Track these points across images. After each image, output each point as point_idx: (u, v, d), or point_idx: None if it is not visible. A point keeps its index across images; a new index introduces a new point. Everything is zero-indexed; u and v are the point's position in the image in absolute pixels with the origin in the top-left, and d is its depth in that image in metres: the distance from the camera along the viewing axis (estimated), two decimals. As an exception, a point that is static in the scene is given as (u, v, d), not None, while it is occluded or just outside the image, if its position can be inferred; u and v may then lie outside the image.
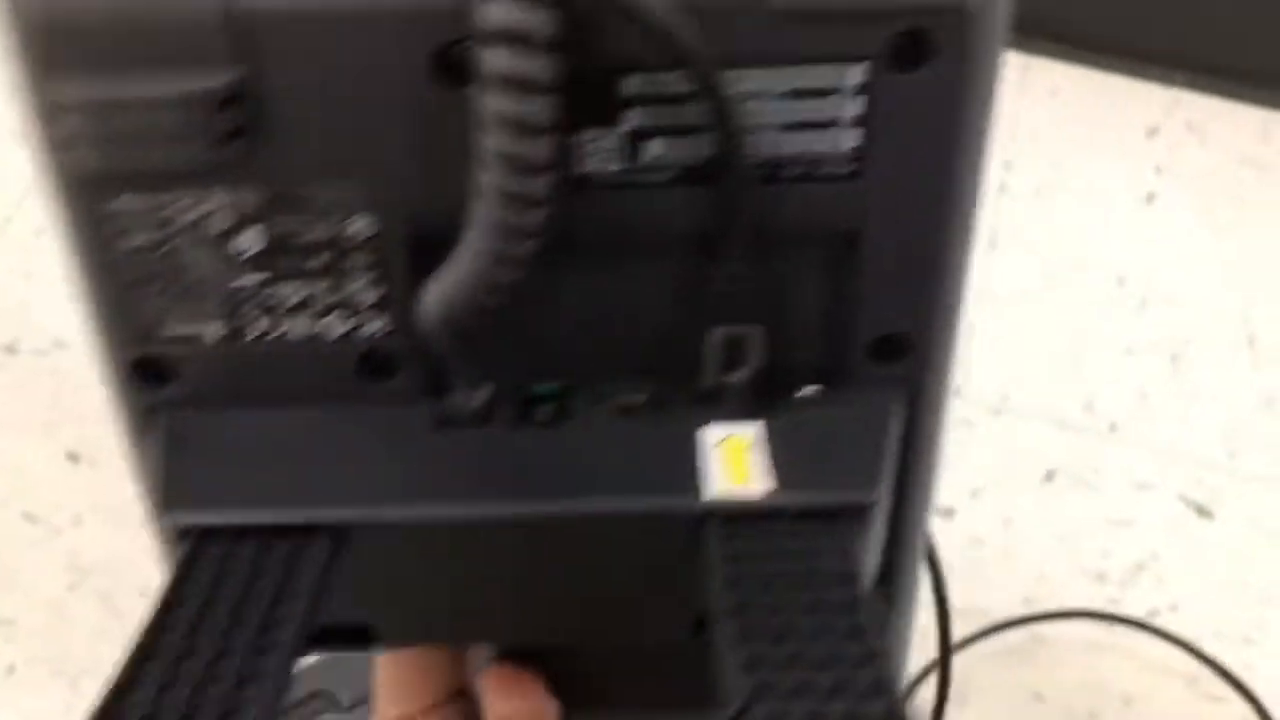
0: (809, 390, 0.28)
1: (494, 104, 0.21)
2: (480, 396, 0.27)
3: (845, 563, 0.24)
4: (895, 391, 0.27)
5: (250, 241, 0.24)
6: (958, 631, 0.75)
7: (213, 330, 0.26)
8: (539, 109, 0.21)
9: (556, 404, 0.28)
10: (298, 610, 0.23)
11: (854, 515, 0.26)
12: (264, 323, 0.26)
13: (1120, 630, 0.76)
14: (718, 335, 0.26)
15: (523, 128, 0.21)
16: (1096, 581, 0.78)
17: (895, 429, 0.27)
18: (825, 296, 0.27)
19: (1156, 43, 0.99)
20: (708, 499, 0.25)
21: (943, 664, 0.49)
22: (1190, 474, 0.82)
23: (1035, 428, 0.84)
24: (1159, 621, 0.77)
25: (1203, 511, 0.81)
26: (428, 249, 0.24)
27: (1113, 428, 0.84)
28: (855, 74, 0.22)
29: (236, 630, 0.22)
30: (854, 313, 0.26)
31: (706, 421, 0.27)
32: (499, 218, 0.22)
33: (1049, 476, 0.82)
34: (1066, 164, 0.96)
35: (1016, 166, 0.96)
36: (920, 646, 0.51)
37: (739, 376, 0.27)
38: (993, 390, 0.85)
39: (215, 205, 0.24)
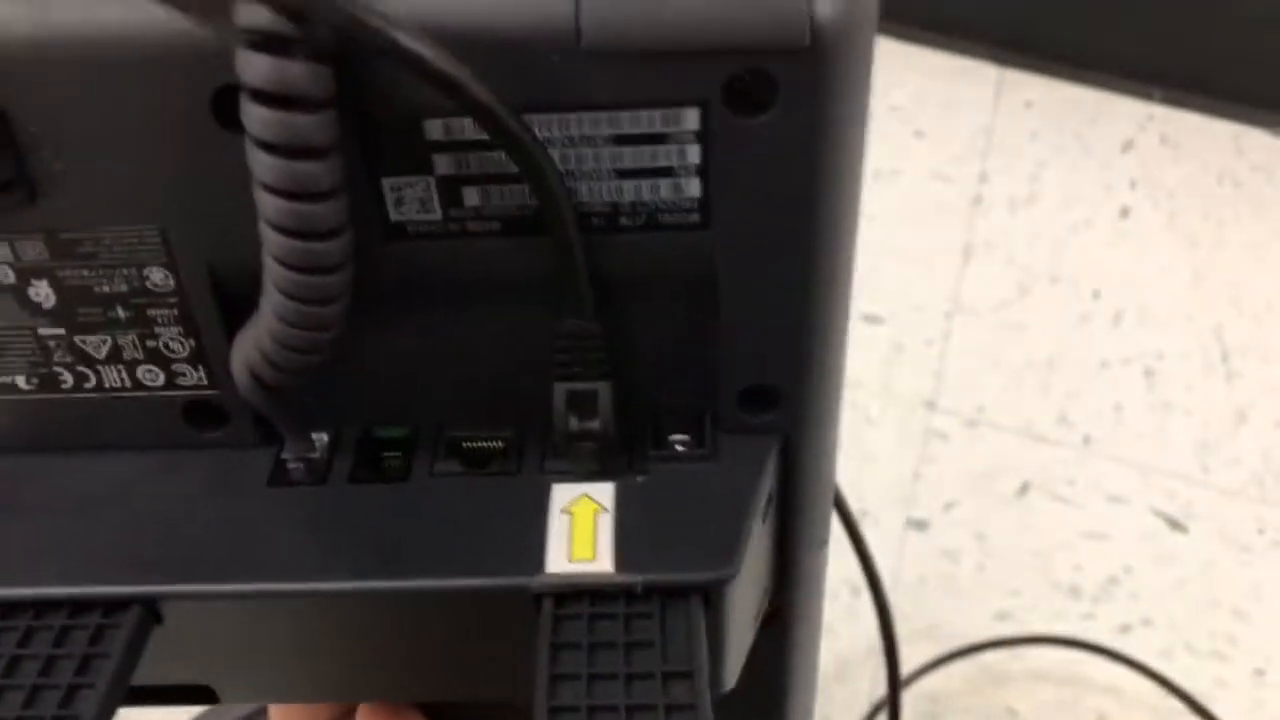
0: (677, 438, 0.26)
1: (262, 165, 0.19)
2: (319, 445, 0.26)
3: (686, 650, 0.22)
4: (770, 440, 0.26)
5: (44, 293, 0.23)
6: (933, 648, 0.75)
7: (24, 381, 0.25)
8: (315, 171, 0.19)
9: (403, 453, 0.26)
10: (100, 690, 0.21)
11: (706, 592, 0.23)
12: (76, 373, 0.24)
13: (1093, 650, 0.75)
14: (560, 391, 0.24)
15: (298, 191, 0.19)
16: (1070, 596, 0.78)
17: (767, 484, 0.25)
18: (688, 346, 0.25)
19: (1132, 57, 1.00)
20: (543, 577, 0.23)
21: (892, 702, 0.48)
22: (1163, 488, 0.82)
23: (1009, 440, 0.84)
24: (1132, 636, 0.77)
25: (1176, 525, 0.81)
26: (238, 301, 0.23)
27: (1087, 441, 0.84)
28: (690, 119, 0.20)
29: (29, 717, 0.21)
30: (719, 363, 0.24)
31: (560, 477, 0.25)
32: (288, 282, 0.20)
33: (1023, 490, 0.82)
34: (1042, 176, 0.96)
35: (991, 179, 0.96)
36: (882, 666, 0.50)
37: (590, 431, 0.25)
38: (967, 402, 0.85)
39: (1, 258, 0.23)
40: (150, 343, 0.24)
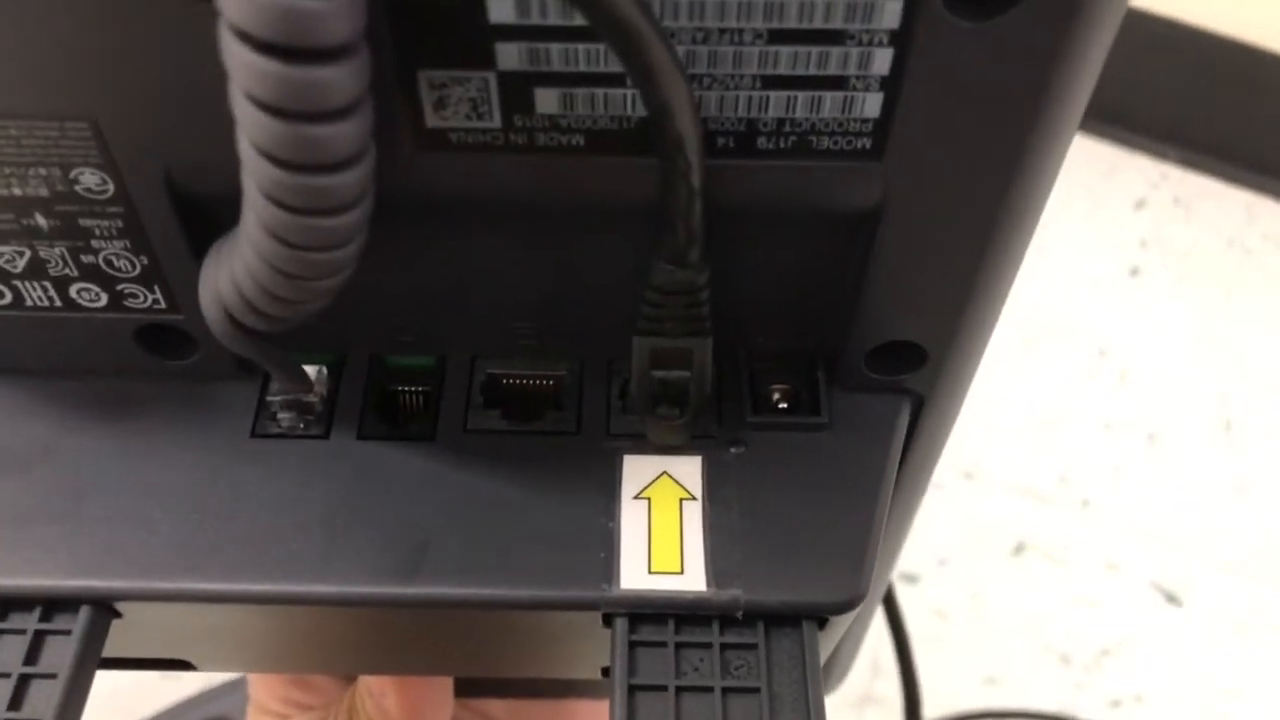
0: (778, 389, 0.20)
1: (243, 65, 0.13)
2: (316, 381, 0.20)
3: (802, 697, 0.17)
4: (899, 403, 0.21)
5: None
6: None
7: None
8: (327, 79, 0.13)
9: (427, 394, 0.20)
10: (55, 694, 0.18)
11: (825, 618, 0.19)
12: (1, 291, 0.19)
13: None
14: (643, 348, 0.19)
15: (301, 108, 0.13)
16: (1061, 664, 0.74)
17: (895, 460, 0.20)
18: (812, 289, 0.20)
19: (1148, 116, 0.98)
20: (615, 594, 0.18)
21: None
22: (1161, 557, 0.79)
23: (1007, 497, 0.80)
24: (1123, 712, 0.73)
25: (1172, 598, 0.78)
26: (207, 209, 0.18)
27: (1085, 503, 0.81)
28: (889, 12, 0.14)
29: None
30: (854, 313, 0.19)
31: (632, 445, 0.20)
32: (280, 224, 0.15)
33: (1018, 549, 0.78)
34: (1052, 227, 0.93)
35: (1001, 226, 0.93)
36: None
37: (678, 397, 0.19)
38: (966, 454, 0.82)
39: None
40: (86, 258, 0.19)
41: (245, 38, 0.13)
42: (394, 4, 0.15)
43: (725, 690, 0.17)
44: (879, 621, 0.70)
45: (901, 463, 0.22)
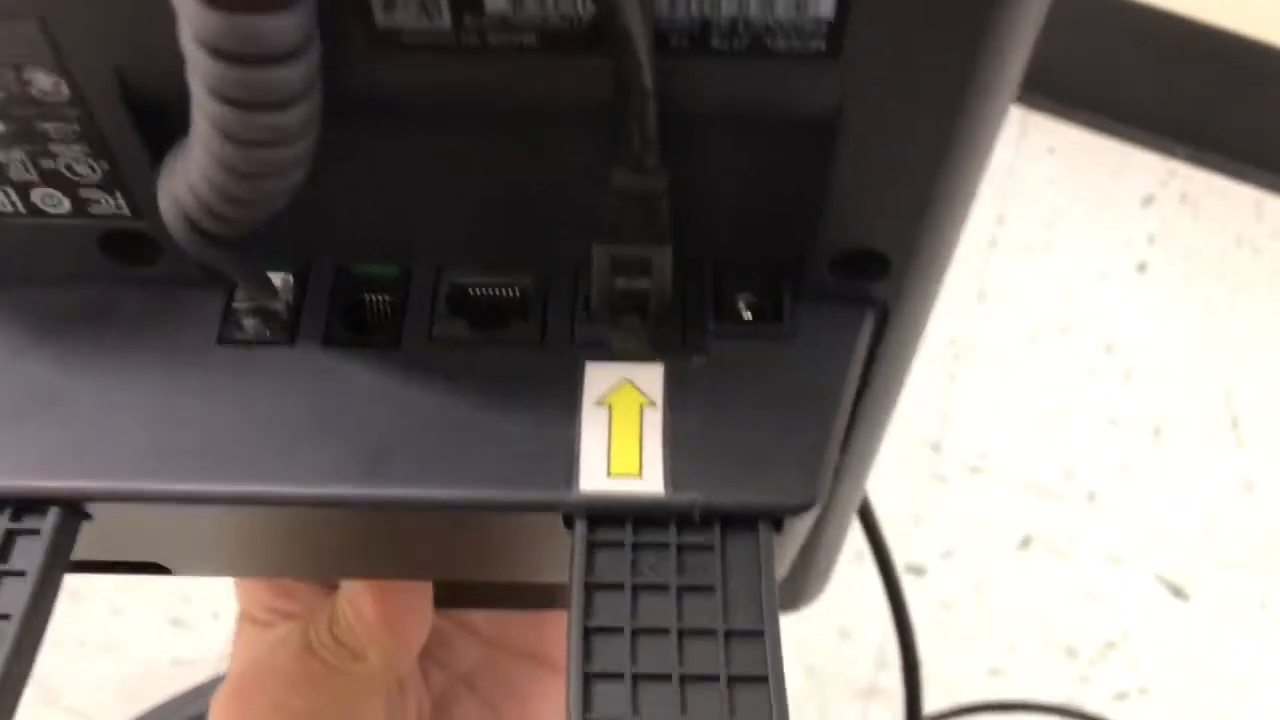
0: (743, 299, 0.21)
1: None
2: (282, 289, 0.20)
3: (755, 598, 0.18)
4: (863, 313, 0.21)
5: None
6: (924, 701, 0.71)
7: None
8: None
9: (393, 301, 0.21)
10: (24, 591, 0.18)
11: (780, 519, 0.19)
12: None
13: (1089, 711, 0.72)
14: (603, 254, 0.19)
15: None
16: (1067, 656, 0.75)
17: (856, 371, 0.20)
18: (773, 194, 0.20)
19: (1157, 112, 0.98)
20: (574, 495, 0.19)
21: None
22: (1167, 553, 0.79)
23: (1012, 491, 0.81)
24: (1128, 705, 0.73)
25: (1178, 592, 0.78)
26: (166, 115, 0.17)
27: (1091, 498, 0.81)
28: None
29: None
30: (815, 221, 0.19)
31: (595, 352, 0.20)
32: (226, 121, 0.15)
33: (1024, 543, 0.79)
34: (1059, 224, 0.94)
35: (1008, 222, 0.93)
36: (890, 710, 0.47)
37: (639, 301, 0.20)
38: (971, 448, 0.82)
39: None
40: (45, 163, 0.19)
41: None
42: None
43: (681, 589, 0.18)
44: (883, 613, 0.70)
45: (869, 374, 0.22)
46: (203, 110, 0.15)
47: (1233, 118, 0.97)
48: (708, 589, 0.18)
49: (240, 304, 0.21)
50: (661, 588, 0.18)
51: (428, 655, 0.32)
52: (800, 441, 0.19)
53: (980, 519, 0.79)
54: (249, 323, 0.21)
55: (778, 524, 0.19)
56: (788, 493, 0.18)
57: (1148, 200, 0.96)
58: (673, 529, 0.18)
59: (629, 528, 0.18)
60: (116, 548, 0.22)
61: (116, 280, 0.21)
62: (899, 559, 0.77)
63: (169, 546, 0.22)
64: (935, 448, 0.82)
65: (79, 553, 0.20)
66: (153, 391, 0.20)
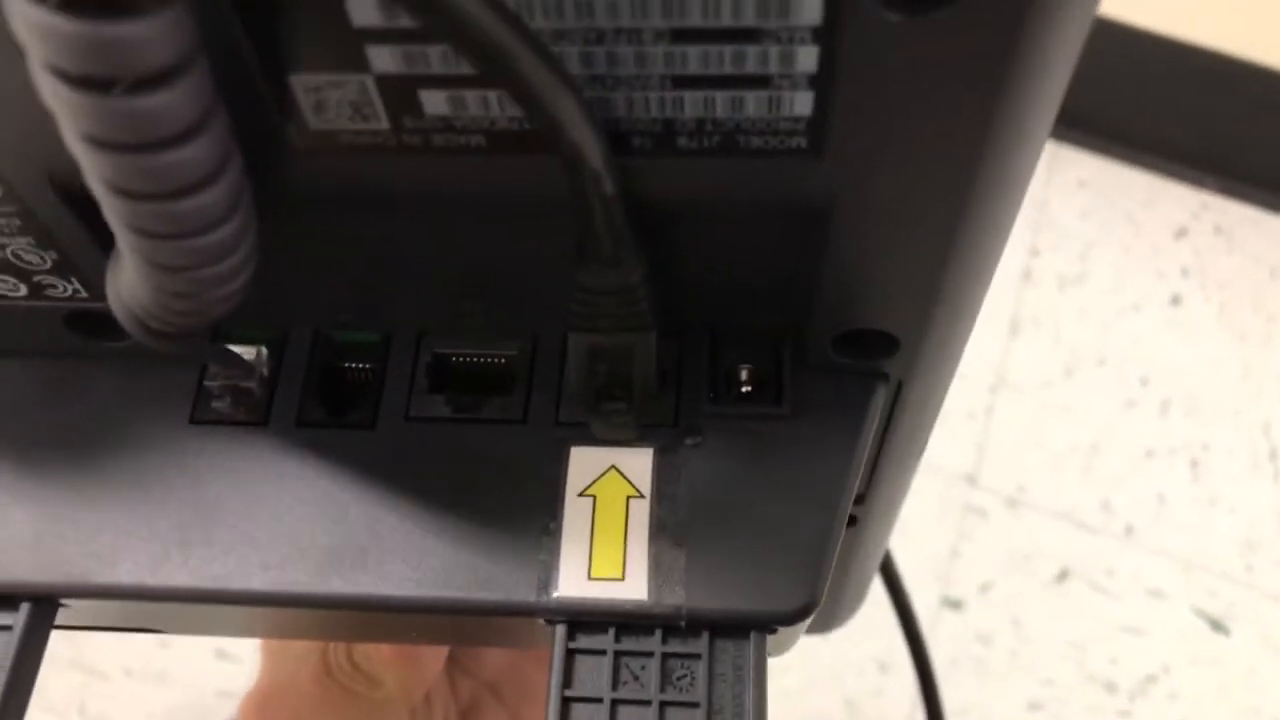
0: (744, 370, 0.19)
1: (47, 82, 0.12)
2: (256, 363, 0.19)
3: (739, 695, 0.17)
4: (872, 387, 0.19)
5: None
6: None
7: None
8: (159, 105, 0.12)
9: (373, 369, 0.20)
10: None
11: (773, 628, 0.18)
12: None
13: (1129, 745, 0.72)
14: (580, 344, 0.18)
15: (128, 140, 0.12)
16: (1106, 691, 0.75)
17: (863, 453, 0.19)
18: (768, 273, 0.18)
19: (1187, 144, 0.98)
20: (552, 601, 0.17)
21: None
22: (1206, 586, 0.79)
23: (1050, 524, 0.81)
24: (1169, 739, 0.73)
25: (1217, 626, 0.78)
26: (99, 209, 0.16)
27: (1129, 530, 0.81)
28: (808, 7, 0.13)
29: None
30: (813, 300, 0.18)
31: (582, 435, 0.19)
32: (142, 248, 0.14)
33: (1061, 576, 0.79)
34: (1092, 256, 0.94)
35: (1042, 254, 0.94)
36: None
37: (621, 393, 0.18)
38: (1009, 481, 0.82)
39: None
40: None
41: (60, 74, 0.11)
42: (253, 9, 0.14)
43: (663, 704, 0.17)
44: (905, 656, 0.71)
45: (883, 447, 0.21)
46: (121, 238, 0.14)
47: (1264, 149, 0.97)
48: (692, 705, 0.17)
49: (212, 382, 0.20)
50: (643, 703, 0.17)
51: (455, 664, 0.32)
52: (798, 538, 0.18)
53: (1018, 552, 0.79)
54: (220, 404, 0.20)
55: (772, 629, 0.17)
56: (782, 598, 0.17)
57: (1180, 233, 0.96)
58: (658, 635, 0.17)
59: (611, 633, 0.17)
60: (99, 619, 0.22)
61: (88, 354, 0.20)
62: (936, 593, 0.77)
63: (152, 618, 0.22)
64: (972, 481, 0.82)
65: (63, 619, 0.19)
66: (125, 477, 0.19)
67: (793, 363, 0.19)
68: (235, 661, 0.73)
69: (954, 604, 0.76)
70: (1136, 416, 0.86)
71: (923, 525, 0.80)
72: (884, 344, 0.18)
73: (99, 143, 0.12)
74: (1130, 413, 0.86)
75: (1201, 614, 0.78)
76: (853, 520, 0.25)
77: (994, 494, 0.82)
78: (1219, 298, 0.93)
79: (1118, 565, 0.79)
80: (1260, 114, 0.95)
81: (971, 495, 0.81)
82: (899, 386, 0.20)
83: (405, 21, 0.13)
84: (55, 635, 0.20)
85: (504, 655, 0.33)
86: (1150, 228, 0.96)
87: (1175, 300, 0.92)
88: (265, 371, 0.20)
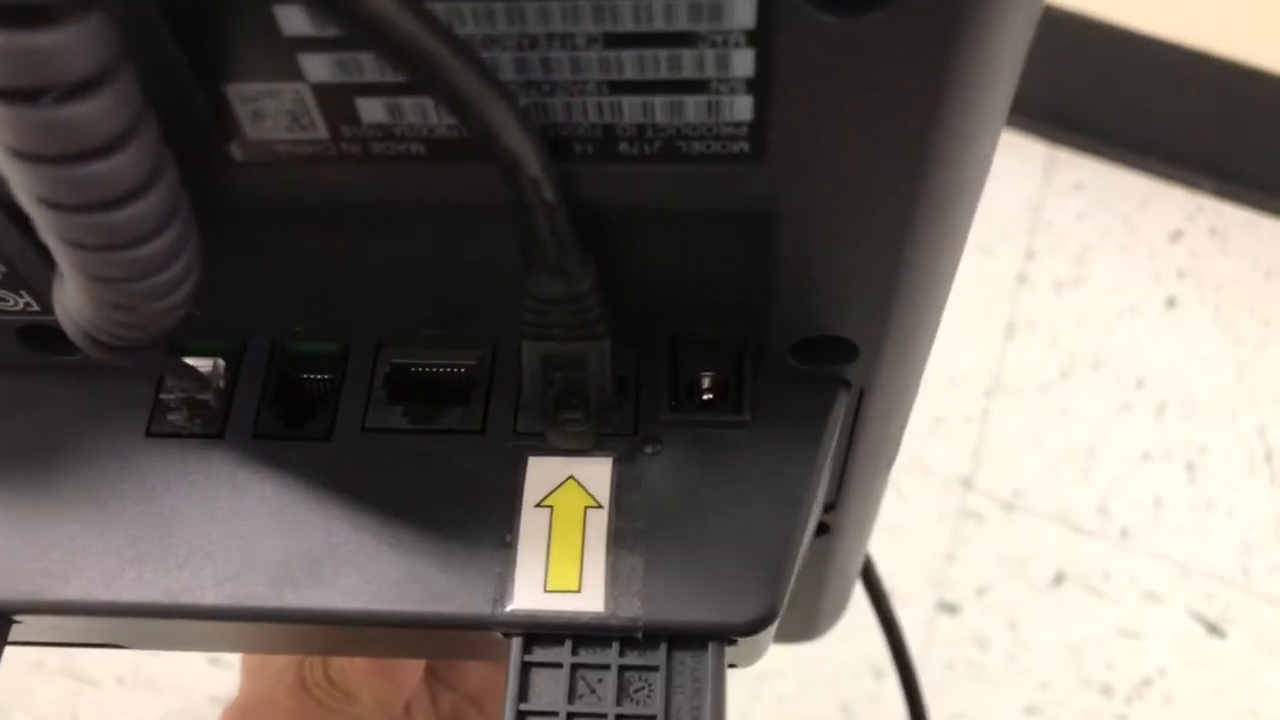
0: (705, 376, 0.19)
1: None
2: (212, 375, 0.19)
3: (696, 706, 0.16)
4: (833, 393, 0.19)
5: None
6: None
7: None
8: (83, 115, 0.12)
9: (331, 379, 0.19)
10: None
11: (733, 639, 0.17)
12: None
13: (1126, 750, 0.72)
14: (534, 353, 0.17)
15: (53, 152, 0.12)
16: (1102, 695, 0.74)
17: (824, 461, 0.19)
18: (721, 280, 0.18)
19: (1183, 147, 0.98)
20: (507, 614, 0.17)
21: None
22: (1202, 589, 0.79)
23: (1046, 527, 0.80)
24: (1165, 743, 0.73)
25: (1214, 629, 0.78)
26: None
27: (1124, 534, 0.81)
28: (739, 9, 0.13)
29: None
30: (767, 309, 0.18)
31: (539, 444, 0.18)
32: (76, 260, 0.14)
33: (1057, 580, 0.78)
34: (1088, 259, 0.94)
35: (1038, 257, 0.94)
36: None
37: (577, 403, 0.18)
38: (1004, 484, 0.82)
39: None
40: None
41: None
42: (182, 18, 0.14)
43: (620, 717, 0.17)
44: (920, 652, 0.71)
45: (850, 454, 0.21)
46: (57, 252, 0.14)
47: (1259, 151, 0.97)
48: (648, 718, 0.16)
49: (168, 395, 0.20)
50: (600, 716, 0.17)
51: (435, 677, 0.32)
52: (758, 547, 0.18)
53: (1014, 556, 0.79)
54: (176, 417, 0.20)
55: (731, 640, 0.17)
56: (740, 608, 0.17)
57: (1176, 235, 0.96)
58: (615, 648, 0.17)
59: (568, 646, 0.17)
60: (58, 635, 0.21)
61: (43, 368, 0.20)
62: (931, 596, 0.77)
63: (111, 634, 0.22)
64: (968, 484, 0.82)
65: (21, 635, 0.19)
66: (80, 491, 0.19)
67: (753, 370, 0.19)
68: (227, 668, 0.73)
69: (950, 608, 0.76)
70: (1132, 419, 0.86)
71: (918, 529, 0.79)
72: (842, 350, 0.18)
73: (23, 155, 0.12)
74: (1126, 415, 0.86)
75: (1198, 617, 0.78)
76: (825, 528, 0.25)
77: (990, 497, 0.81)
78: (1215, 300, 0.93)
79: (1114, 568, 0.79)
80: (1256, 117, 0.95)
81: (967, 499, 0.81)
82: (861, 393, 0.20)
83: (335, 29, 0.13)
84: None
85: (486, 668, 0.33)
86: (1146, 230, 0.96)
87: (1171, 303, 0.92)
88: (222, 384, 0.20)
